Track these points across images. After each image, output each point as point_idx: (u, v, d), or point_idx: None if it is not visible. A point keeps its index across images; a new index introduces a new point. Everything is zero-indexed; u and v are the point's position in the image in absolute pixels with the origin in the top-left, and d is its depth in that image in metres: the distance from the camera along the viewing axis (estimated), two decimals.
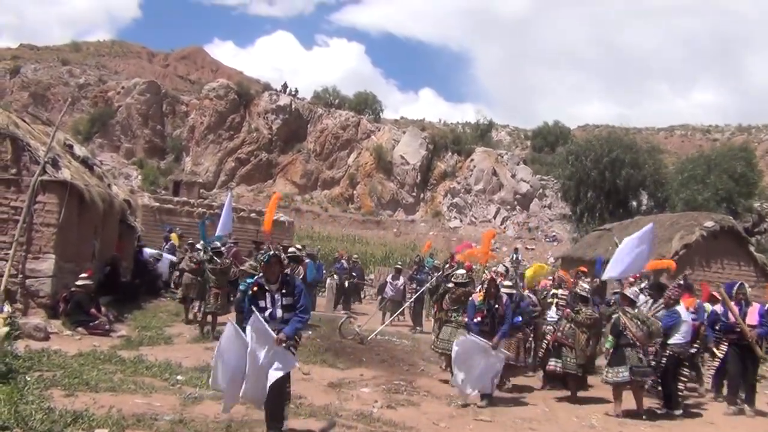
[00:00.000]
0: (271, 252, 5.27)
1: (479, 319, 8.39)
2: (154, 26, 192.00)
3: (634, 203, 36.16)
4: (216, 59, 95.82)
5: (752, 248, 18.21)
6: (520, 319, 8.49)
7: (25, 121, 13.07)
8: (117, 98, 56.07)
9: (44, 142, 11.76)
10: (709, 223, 17.31)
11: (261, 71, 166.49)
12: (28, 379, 6.64)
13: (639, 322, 8.30)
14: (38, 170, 10.97)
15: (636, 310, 8.59)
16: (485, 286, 8.69)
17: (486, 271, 9.48)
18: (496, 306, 8.46)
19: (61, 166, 11.45)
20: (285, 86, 62.91)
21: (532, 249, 47.28)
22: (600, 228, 24.64)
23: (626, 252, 9.38)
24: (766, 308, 9.28)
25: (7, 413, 5.28)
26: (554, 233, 50.92)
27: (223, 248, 12.69)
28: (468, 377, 8.12)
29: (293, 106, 58.23)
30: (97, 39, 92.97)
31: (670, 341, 8.62)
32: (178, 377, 7.70)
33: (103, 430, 5.28)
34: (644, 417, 8.20)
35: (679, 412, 8.51)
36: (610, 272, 9.55)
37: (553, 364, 9.29)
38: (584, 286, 9.70)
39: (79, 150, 15.14)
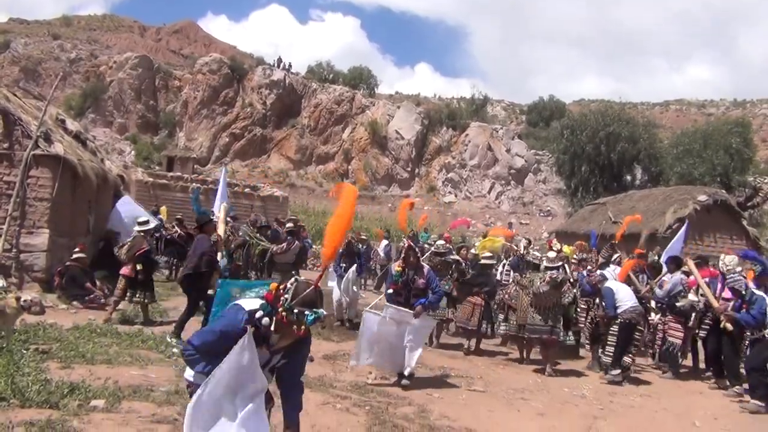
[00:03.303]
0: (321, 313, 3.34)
1: (391, 290, 7.88)
2: (148, 0, 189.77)
3: (629, 177, 36.23)
4: (209, 33, 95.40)
5: (745, 222, 18.34)
6: (423, 300, 7.63)
7: (16, 96, 12.96)
8: (109, 73, 55.42)
9: (36, 116, 11.69)
10: (702, 197, 17.41)
11: (255, 46, 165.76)
12: (25, 351, 6.67)
13: (527, 283, 9.33)
14: (30, 144, 10.93)
15: (541, 275, 9.30)
16: (403, 254, 8.13)
17: (405, 240, 9.01)
18: (414, 276, 7.82)
19: (54, 141, 11.40)
20: (279, 61, 62.24)
21: (527, 224, 47.37)
22: (594, 202, 24.79)
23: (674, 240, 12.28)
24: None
25: (4, 384, 5.32)
26: (549, 208, 50.99)
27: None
28: (378, 359, 7.58)
29: (287, 81, 57.66)
30: (88, 13, 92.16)
31: (619, 311, 8.77)
32: (174, 350, 7.72)
33: (99, 401, 5.31)
34: (547, 374, 8.92)
35: (614, 371, 8.73)
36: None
37: (503, 328, 10.00)
38: (535, 254, 10.46)
39: (72, 125, 15.02)
